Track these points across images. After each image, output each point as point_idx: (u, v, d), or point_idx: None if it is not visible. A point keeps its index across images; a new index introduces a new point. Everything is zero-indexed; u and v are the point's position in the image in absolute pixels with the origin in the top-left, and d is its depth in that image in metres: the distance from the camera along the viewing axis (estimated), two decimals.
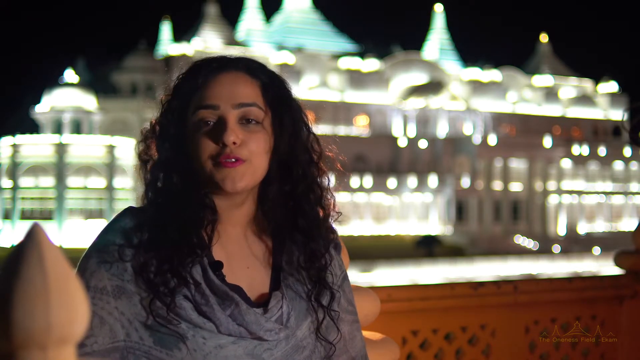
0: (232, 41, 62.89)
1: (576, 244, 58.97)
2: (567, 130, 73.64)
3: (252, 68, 1.41)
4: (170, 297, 1.29)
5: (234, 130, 1.34)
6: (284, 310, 1.38)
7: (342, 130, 63.17)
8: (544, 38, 79.78)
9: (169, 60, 59.31)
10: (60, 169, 50.74)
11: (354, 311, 1.54)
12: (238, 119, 1.36)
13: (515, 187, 65.11)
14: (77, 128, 53.89)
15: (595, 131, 75.16)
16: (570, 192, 68.14)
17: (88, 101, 55.24)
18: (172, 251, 1.31)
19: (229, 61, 1.41)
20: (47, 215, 49.60)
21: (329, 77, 66.31)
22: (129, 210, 1.38)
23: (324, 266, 1.46)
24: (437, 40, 76.33)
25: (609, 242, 56.69)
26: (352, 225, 54.99)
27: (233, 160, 1.34)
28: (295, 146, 1.42)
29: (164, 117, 1.40)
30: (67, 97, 54.55)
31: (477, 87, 70.33)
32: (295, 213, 1.44)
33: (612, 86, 78.03)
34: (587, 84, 78.63)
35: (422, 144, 64.43)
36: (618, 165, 71.27)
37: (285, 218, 1.44)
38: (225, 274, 1.36)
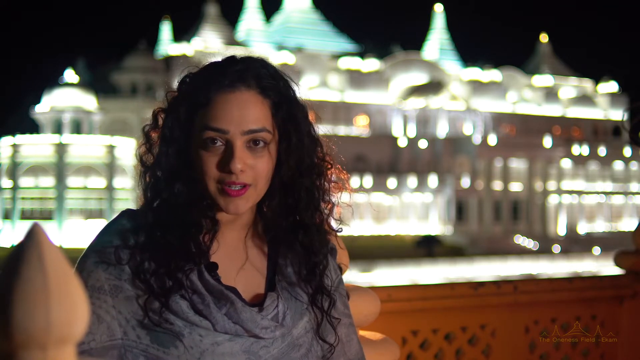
0: (232, 41, 62.88)
1: (576, 244, 58.90)
2: (567, 130, 73.61)
3: (263, 86, 1.38)
4: (166, 296, 1.30)
5: (242, 158, 1.34)
6: (279, 309, 1.39)
7: (342, 130, 63.14)
8: (544, 38, 79.75)
9: (169, 60, 59.34)
10: (60, 169, 50.69)
11: (350, 314, 1.56)
12: (245, 143, 1.35)
13: (515, 187, 65.06)
14: (77, 128, 53.82)
15: (595, 131, 75.12)
16: (570, 192, 68.09)
17: (88, 101, 55.18)
18: (169, 256, 1.31)
19: (240, 76, 1.37)
20: (47, 215, 49.54)
21: (329, 77, 66.30)
22: (126, 213, 1.39)
23: (322, 272, 1.48)
24: (437, 40, 76.30)
25: (609, 242, 56.60)
26: (352, 225, 54.81)
27: (239, 187, 1.34)
28: (301, 167, 1.42)
29: (170, 119, 1.39)
30: (67, 97, 54.46)
31: (477, 87, 70.29)
32: (296, 226, 1.44)
33: (612, 86, 77.97)
34: (587, 84, 78.58)
35: (422, 144, 64.40)
36: (618, 165, 71.21)
37: (285, 228, 1.44)
38: (220, 276, 1.37)
